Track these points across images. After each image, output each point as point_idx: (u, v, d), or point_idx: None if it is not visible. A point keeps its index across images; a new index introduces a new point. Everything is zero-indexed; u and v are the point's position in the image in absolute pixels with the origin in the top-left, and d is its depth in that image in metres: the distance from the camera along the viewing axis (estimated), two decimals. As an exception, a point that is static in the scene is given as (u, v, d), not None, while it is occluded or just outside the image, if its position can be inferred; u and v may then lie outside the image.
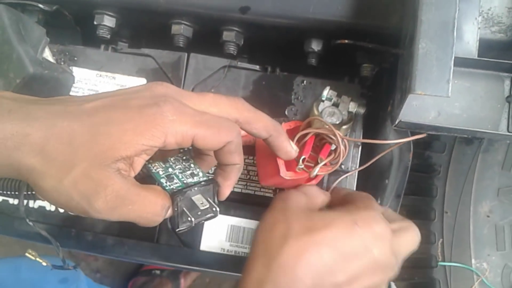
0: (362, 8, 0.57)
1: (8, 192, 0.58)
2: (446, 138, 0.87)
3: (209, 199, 0.45)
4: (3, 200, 0.64)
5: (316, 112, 0.57)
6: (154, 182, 0.44)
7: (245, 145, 0.58)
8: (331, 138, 0.53)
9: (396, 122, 0.51)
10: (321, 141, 0.54)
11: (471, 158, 0.84)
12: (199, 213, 0.44)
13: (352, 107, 0.58)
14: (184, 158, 0.47)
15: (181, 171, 0.46)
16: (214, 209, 0.45)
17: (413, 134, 0.59)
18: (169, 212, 0.43)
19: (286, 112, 0.62)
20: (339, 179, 0.60)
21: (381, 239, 0.45)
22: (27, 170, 0.38)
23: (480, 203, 0.83)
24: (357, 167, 0.63)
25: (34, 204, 0.63)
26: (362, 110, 0.58)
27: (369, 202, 0.50)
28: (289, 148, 0.49)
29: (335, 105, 0.58)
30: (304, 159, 0.51)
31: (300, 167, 0.51)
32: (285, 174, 0.50)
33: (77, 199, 0.39)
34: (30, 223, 0.58)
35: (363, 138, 0.62)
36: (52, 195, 0.39)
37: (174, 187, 0.43)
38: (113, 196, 0.38)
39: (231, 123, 0.44)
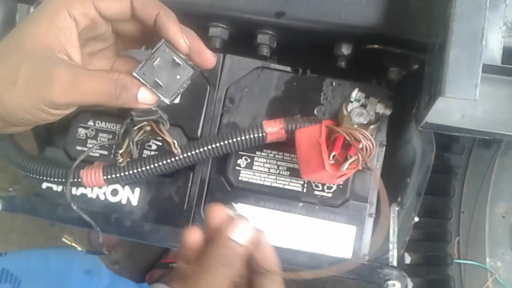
0: (391, 16, 0.60)
1: (56, 179, 0.63)
2: (465, 140, 0.90)
3: (174, 58, 0.47)
4: (47, 187, 0.68)
5: (345, 112, 0.61)
6: None
7: (276, 141, 0.62)
8: (358, 137, 0.56)
9: (422, 123, 0.55)
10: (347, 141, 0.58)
11: (489, 161, 0.87)
12: (178, 77, 0.48)
13: (379, 108, 0.61)
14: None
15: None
16: (188, 65, 0.48)
17: (436, 135, 0.62)
18: (153, 96, 0.47)
19: (315, 112, 0.65)
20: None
21: None
22: None
23: (496, 204, 0.86)
24: (381, 164, 0.66)
25: (77, 191, 0.67)
26: (388, 112, 0.62)
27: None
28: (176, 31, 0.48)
29: (363, 106, 0.62)
30: (334, 155, 0.55)
31: (331, 162, 0.54)
32: (329, 168, 0.53)
33: (35, 93, 0.44)
34: (75, 208, 0.63)
35: (388, 138, 0.66)
36: (12, 102, 0.44)
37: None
38: (63, 81, 0.44)
39: None
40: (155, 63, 0.46)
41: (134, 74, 0.47)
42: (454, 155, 0.91)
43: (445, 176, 0.91)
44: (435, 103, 0.46)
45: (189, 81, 0.48)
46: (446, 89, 0.42)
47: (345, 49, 0.64)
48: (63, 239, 0.78)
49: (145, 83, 0.47)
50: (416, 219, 0.73)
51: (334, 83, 0.66)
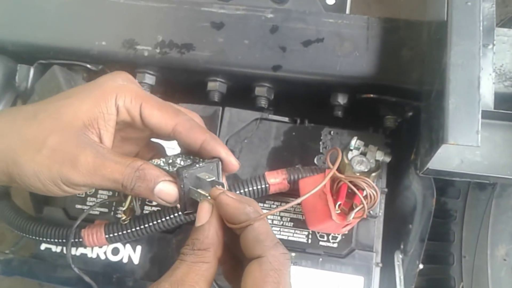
0: (384, 66, 0.63)
1: (56, 240, 0.61)
2: (460, 184, 0.91)
3: (209, 178, 0.44)
4: (46, 248, 0.67)
5: (346, 161, 0.61)
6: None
7: (279, 191, 0.62)
8: (362, 186, 0.56)
9: (424, 169, 0.55)
10: (351, 190, 0.58)
11: (485, 203, 0.88)
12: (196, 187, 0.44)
13: (379, 155, 0.62)
14: (182, 155, 0.48)
15: (181, 160, 0.47)
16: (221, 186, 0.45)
17: (436, 180, 0.63)
18: (173, 193, 0.44)
19: (315, 161, 0.66)
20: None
21: None
22: (4, 151, 0.43)
23: (496, 247, 0.86)
24: (383, 212, 0.67)
25: (76, 251, 0.66)
26: (388, 159, 0.63)
27: None
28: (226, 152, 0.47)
29: (363, 154, 0.63)
30: (340, 204, 0.55)
31: (337, 212, 0.54)
32: (336, 218, 0.53)
33: (56, 167, 0.43)
34: (76, 269, 0.61)
35: (387, 184, 0.66)
36: (30, 168, 0.43)
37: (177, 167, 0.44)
38: (88, 165, 0.43)
39: (177, 108, 0.48)
40: (199, 174, 0.44)
41: (180, 170, 0.44)
42: (451, 199, 0.91)
43: (443, 220, 0.91)
44: (438, 150, 0.47)
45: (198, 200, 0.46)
46: (449, 136, 0.44)
47: (341, 99, 0.66)
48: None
49: (183, 185, 0.44)
50: (421, 266, 0.73)
51: (332, 132, 0.67)
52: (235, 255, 0.44)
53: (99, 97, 0.45)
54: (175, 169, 0.44)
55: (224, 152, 0.46)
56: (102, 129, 0.45)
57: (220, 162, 0.46)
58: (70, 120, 0.44)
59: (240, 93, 0.69)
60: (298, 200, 0.49)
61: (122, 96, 0.45)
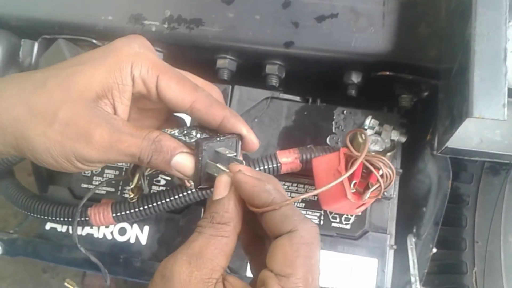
0: (400, 43, 0.60)
1: (62, 219, 0.60)
2: (473, 168, 0.89)
3: (229, 153, 0.42)
4: (51, 228, 0.65)
5: (360, 140, 0.59)
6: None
7: (290, 171, 0.60)
8: (378, 165, 0.54)
9: (442, 148, 0.53)
10: (368, 168, 0.56)
11: (499, 188, 0.86)
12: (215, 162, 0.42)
13: (395, 135, 0.60)
14: (198, 127, 0.45)
15: (198, 132, 0.44)
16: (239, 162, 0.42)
17: (453, 160, 0.61)
18: (190, 165, 0.41)
19: (327, 141, 0.64)
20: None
21: None
22: (12, 123, 0.40)
23: (510, 232, 0.84)
24: (397, 194, 0.65)
25: (82, 231, 0.64)
26: (403, 139, 0.61)
27: None
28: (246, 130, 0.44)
29: (378, 133, 0.61)
30: (355, 183, 0.53)
31: (352, 191, 0.53)
32: (351, 197, 0.51)
33: (69, 144, 0.40)
34: (82, 249, 0.60)
35: (403, 165, 0.64)
36: (42, 143, 0.40)
37: (196, 139, 0.42)
38: (103, 141, 0.40)
39: (195, 82, 0.44)
40: (218, 149, 0.42)
41: (200, 141, 0.41)
42: (463, 183, 0.89)
43: (456, 205, 0.89)
44: (460, 125, 0.45)
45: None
46: (474, 109, 0.42)
47: (355, 77, 0.64)
48: (65, 284, 0.74)
49: (201, 157, 0.41)
50: (434, 250, 0.71)
51: (345, 112, 0.65)
52: (253, 229, 0.42)
53: (113, 65, 0.41)
54: (192, 140, 0.42)
55: (245, 129, 0.44)
56: (116, 100, 0.42)
57: (239, 139, 0.44)
58: (82, 90, 0.40)
59: (250, 71, 0.67)
60: (323, 189, 0.47)
61: (138, 65, 0.42)
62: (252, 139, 0.44)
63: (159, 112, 0.49)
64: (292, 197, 0.63)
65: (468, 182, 0.89)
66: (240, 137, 0.44)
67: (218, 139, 0.42)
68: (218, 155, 0.42)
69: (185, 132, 0.43)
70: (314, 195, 0.62)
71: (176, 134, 0.43)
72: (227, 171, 0.40)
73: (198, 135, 0.43)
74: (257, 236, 0.42)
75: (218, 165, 0.40)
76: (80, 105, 0.40)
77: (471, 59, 0.43)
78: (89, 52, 0.44)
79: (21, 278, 1.53)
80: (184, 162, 0.41)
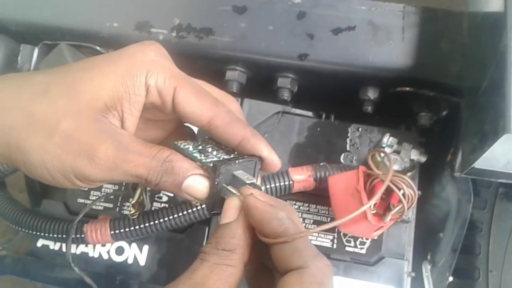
0: (421, 58, 0.58)
1: (55, 235, 0.56)
2: (487, 194, 0.86)
3: (246, 179, 0.37)
4: (43, 245, 0.61)
5: (378, 159, 0.56)
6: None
7: (303, 190, 0.56)
8: (399, 185, 0.51)
9: (468, 169, 0.50)
10: (387, 189, 0.53)
11: (514, 215, 0.82)
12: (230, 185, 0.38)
13: (414, 154, 0.57)
14: (213, 141, 0.41)
15: (213, 149, 0.40)
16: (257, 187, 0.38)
17: (476, 182, 0.57)
18: (204, 190, 0.37)
19: (341, 159, 0.60)
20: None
21: None
22: (6, 130, 0.35)
23: (525, 262, 0.80)
24: (414, 217, 0.61)
25: (76, 249, 0.60)
26: (423, 158, 0.58)
27: None
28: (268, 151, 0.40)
29: (396, 152, 0.57)
30: (375, 204, 0.50)
31: (373, 212, 0.49)
32: (372, 218, 0.48)
33: (69, 160, 0.35)
34: (76, 269, 0.55)
35: (419, 187, 0.61)
36: (38, 157, 0.35)
37: (212, 160, 0.37)
38: (108, 160, 0.35)
39: (215, 96, 0.40)
40: (236, 172, 0.38)
41: (217, 164, 0.37)
42: (477, 210, 0.86)
43: (469, 232, 0.85)
44: (495, 143, 0.42)
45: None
46: (512, 125, 0.38)
47: (372, 93, 0.61)
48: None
49: (217, 181, 0.37)
50: (451, 278, 0.67)
51: (360, 129, 0.62)
52: (262, 259, 0.38)
53: (126, 73, 0.37)
54: (207, 160, 0.38)
55: (266, 151, 0.40)
56: (126, 112, 0.37)
57: (259, 161, 0.40)
58: (89, 99, 0.36)
59: (260, 84, 0.63)
60: (343, 220, 0.43)
61: (154, 74, 0.37)
62: (274, 160, 0.40)
63: (168, 123, 0.44)
64: (304, 218, 0.59)
65: (481, 208, 0.86)
66: (260, 159, 0.40)
67: (236, 161, 0.38)
68: (235, 179, 0.38)
69: (200, 147, 0.39)
70: (324, 204, 0.58)
71: (191, 149, 0.39)
72: (238, 194, 0.36)
73: (215, 153, 0.39)
74: (265, 268, 0.38)
75: (229, 187, 0.37)
76: (85, 117, 0.36)
77: (507, 71, 0.40)
78: (98, 57, 0.39)
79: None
80: (196, 185, 0.37)
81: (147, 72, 0.37)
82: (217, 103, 0.39)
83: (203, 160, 0.37)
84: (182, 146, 0.39)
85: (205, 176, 0.37)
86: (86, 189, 0.62)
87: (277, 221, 0.34)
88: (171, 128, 0.45)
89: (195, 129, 0.45)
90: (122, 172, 0.36)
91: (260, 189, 0.37)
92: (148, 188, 0.53)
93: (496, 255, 0.83)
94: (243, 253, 0.34)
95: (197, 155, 0.38)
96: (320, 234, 0.58)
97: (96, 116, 0.36)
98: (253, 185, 0.37)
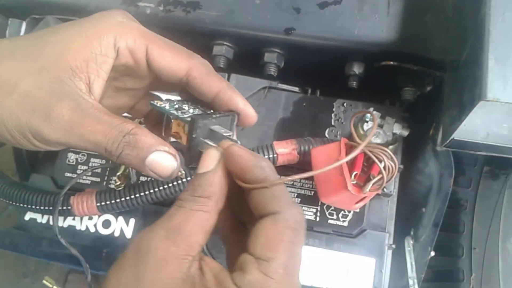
0: (406, 32, 0.58)
1: (42, 208, 0.56)
2: (472, 173, 0.87)
3: (225, 133, 0.39)
4: (30, 218, 0.61)
5: (361, 132, 0.57)
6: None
7: (287, 163, 0.57)
8: (380, 156, 0.52)
9: (448, 140, 0.51)
10: (368, 161, 0.54)
11: (498, 193, 0.84)
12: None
13: (397, 128, 0.58)
14: (188, 101, 0.42)
15: (190, 107, 0.41)
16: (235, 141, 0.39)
17: (461, 161, 0.58)
18: (169, 167, 0.37)
19: (326, 134, 0.61)
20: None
21: None
22: None
23: (508, 239, 0.82)
24: (397, 192, 0.62)
25: (64, 222, 0.60)
26: (406, 132, 0.58)
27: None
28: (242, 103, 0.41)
29: (379, 126, 0.58)
30: (356, 174, 0.50)
31: (353, 182, 0.50)
32: (352, 188, 0.48)
33: (25, 118, 0.35)
34: (62, 240, 0.56)
35: (403, 162, 0.62)
36: None
37: (190, 115, 0.38)
38: (63, 120, 0.35)
39: (191, 51, 0.41)
40: (213, 127, 0.38)
41: (195, 118, 0.37)
42: (461, 188, 0.87)
43: (453, 210, 0.86)
44: (472, 111, 0.42)
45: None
46: (488, 92, 0.39)
47: (357, 68, 0.61)
48: (44, 282, 0.69)
49: (195, 135, 0.37)
50: (432, 253, 0.68)
51: (345, 104, 0.62)
52: (236, 215, 0.40)
53: (92, 35, 0.37)
54: (185, 115, 0.38)
55: (242, 103, 0.40)
56: (92, 74, 0.37)
57: (235, 117, 0.41)
58: (53, 60, 0.36)
59: (247, 59, 0.64)
60: (320, 171, 0.44)
61: (123, 36, 0.37)
62: (250, 113, 0.41)
63: (138, 91, 0.45)
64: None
65: (466, 186, 0.87)
66: (236, 114, 0.41)
67: (214, 116, 0.39)
68: (212, 134, 0.38)
69: (176, 106, 0.40)
70: (308, 179, 0.59)
71: (167, 107, 0.39)
72: (216, 146, 0.37)
73: (191, 110, 0.40)
74: (240, 223, 0.39)
75: (207, 141, 0.37)
76: (47, 77, 0.36)
77: (485, 39, 0.41)
78: (66, 23, 0.40)
79: (0, 283, 1.47)
80: (161, 161, 0.37)
81: (116, 34, 0.37)
82: (192, 55, 0.40)
83: (180, 116, 0.38)
84: (158, 105, 0.39)
85: (170, 153, 0.37)
86: (74, 163, 0.62)
87: (259, 169, 0.35)
88: (140, 95, 0.46)
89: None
90: (78, 136, 0.36)
91: (237, 142, 0.38)
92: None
93: (479, 232, 0.84)
94: (218, 201, 0.35)
95: (174, 111, 0.39)
96: (303, 207, 0.59)
97: (60, 77, 0.36)
98: (230, 138, 0.38)
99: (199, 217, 0.34)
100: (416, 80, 0.60)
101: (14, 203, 0.57)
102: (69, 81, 0.36)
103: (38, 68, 0.36)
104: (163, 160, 0.37)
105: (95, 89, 0.38)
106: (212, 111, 0.41)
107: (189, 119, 0.38)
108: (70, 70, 0.36)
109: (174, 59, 0.39)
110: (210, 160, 0.36)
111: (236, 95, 0.41)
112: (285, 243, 0.32)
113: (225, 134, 0.38)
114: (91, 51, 0.37)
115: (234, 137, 0.39)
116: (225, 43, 0.63)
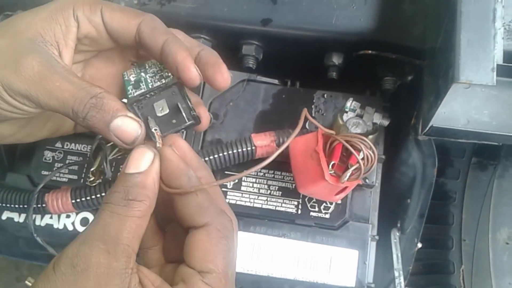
0: (384, 21, 0.57)
1: (17, 206, 0.55)
2: (460, 164, 0.86)
3: (179, 103, 0.40)
4: (7, 218, 0.60)
5: (341, 122, 0.56)
6: None
7: (266, 156, 0.56)
8: (358, 146, 0.51)
9: (427, 128, 0.50)
10: (347, 151, 0.52)
11: (487, 184, 0.83)
12: (174, 121, 0.40)
13: (377, 118, 0.57)
14: (157, 66, 0.43)
15: (152, 74, 0.42)
16: (190, 115, 0.40)
17: (449, 152, 0.57)
18: (132, 134, 0.38)
19: (307, 126, 0.60)
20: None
21: None
22: None
23: (498, 230, 0.81)
24: (379, 183, 0.61)
25: (41, 221, 0.59)
26: (386, 122, 0.57)
27: None
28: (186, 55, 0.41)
29: (359, 116, 0.57)
30: (334, 164, 0.49)
31: (331, 172, 0.49)
32: (329, 178, 0.47)
33: None
34: (38, 239, 0.55)
35: (385, 151, 0.61)
36: None
37: (135, 94, 0.40)
38: (32, 71, 0.37)
39: (141, 11, 0.44)
40: (156, 103, 0.39)
41: (125, 101, 0.39)
42: (450, 179, 0.86)
43: (442, 202, 0.85)
44: (446, 95, 0.42)
45: (183, 129, 0.42)
46: (461, 74, 0.38)
47: (336, 59, 0.61)
48: (26, 282, 0.68)
49: (135, 117, 0.38)
50: (419, 245, 0.67)
51: (325, 95, 0.61)
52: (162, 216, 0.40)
53: (55, 9, 0.40)
54: (134, 93, 0.39)
55: (181, 57, 0.39)
56: (60, 42, 0.40)
57: (179, 83, 0.40)
58: (23, 28, 0.39)
59: (225, 52, 0.62)
60: (264, 163, 0.43)
61: (80, 7, 0.41)
62: (189, 68, 0.39)
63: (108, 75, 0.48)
64: (269, 185, 0.59)
65: (455, 178, 0.86)
66: (178, 81, 0.40)
67: (152, 93, 0.40)
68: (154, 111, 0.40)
69: (141, 75, 0.42)
70: (287, 170, 0.58)
71: (131, 79, 0.41)
72: (159, 141, 0.37)
73: (149, 80, 0.41)
74: (157, 226, 0.40)
75: (154, 129, 0.37)
76: (18, 38, 0.39)
77: (457, 21, 0.40)
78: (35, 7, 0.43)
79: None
80: (125, 127, 0.37)
81: (73, 5, 0.41)
82: (142, 13, 0.43)
83: (129, 95, 0.40)
84: (126, 78, 0.42)
85: (135, 119, 0.37)
86: (50, 161, 0.61)
87: (186, 178, 0.35)
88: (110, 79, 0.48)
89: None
90: (46, 90, 0.37)
91: (196, 119, 0.40)
92: (110, 157, 0.53)
93: (469, 224, 0.84)
94: (151, 205, 0.35)
95: (129, 88, 0.41)
96: (284, 200, 0.58)
97: (31, 38, 0.39)
98: (181, 118, 0.39)
99: (133, 223, 0.33)
100: (396, 69, 0.60)
101: (-11, 203, 0.56)
102: (40, 43, 0.39)
103: (10, 33, 0.40)
104: (127, 125, 0.37)
105: (64, 56, 0.41)
106: (170, 78, 0.41)
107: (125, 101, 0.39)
108: (40, 36, 0.40)
109: (124, 18, 0.41)
110: (145, 160, 0.35)
111: (178, 47, 0.40)
112: (222, 253, 0.34)
113: (159, 114, 0.39)
114: (55, 22, 0.40)
115: (191, 105, 0.40)
116: (202, 36, 0.62)
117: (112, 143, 0.50)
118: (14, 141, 0.47)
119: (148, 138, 0.39)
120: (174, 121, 0.41)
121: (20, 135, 0.46)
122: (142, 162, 0.35)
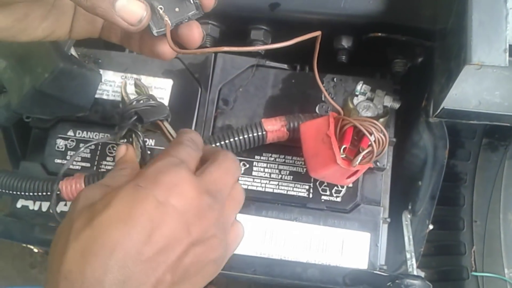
0: (393, 2, 0.57)
1: (34, 194, 0.56)
2: (471, 145, 0.86)
3: None
4: (22, 206, 0.61)
5: (351, 106, 0.56)
6: None
7: (277, 141, 0.56)
8: (370, 129, 0.51)
9: (439, 110, 0.50)
10: (358, 134, 0.52)
11: (498, 165, 0.83)
12: (177, 9, 0.38)
13: (387, 101, 0.56)
14: None
15: None
16: (192, 2, 0.38)
17: (460, 134, 0.57)
18: (138, 12, 0.36)
19: (316, 109, 0.60)
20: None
21: (176, 186, 0.35)
22: None
23: (509, 210, 0.81)
24: (390, 165, 0.61)
25: (56, 208, 0.60)
26: (397, 105, 0.57)
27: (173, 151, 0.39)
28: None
29: (370, 99, 0.57)
30: (345, 148, 0.50)
31: (343, 156, 0.49)
32: (341, 162, 0.48)
33: None
34: (55, 226, 0.56)
35: (396, 134, 0.61)
36: None
37: None
38: None
39: None
40: None
41: None
42: (460, 161, 0.86)
43: (453, 184, 0.85)
44: (458, 77, 0.41)
45: (186, 20, 0.40)
46: (473, 55, 0.38)
47: (346, 42, 0.60)
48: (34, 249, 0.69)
49: None
50: (431, 226, 0.67)
51: (335, 79, 0.61)
52: None
53: None
54: None
55: None
56: None
57: None
58: None
59: (234, 38, 0.63)
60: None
61: None
62: None
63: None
64: (280, 170, 0.59)
65: (465, 159, 0.86)
66: None
67: None
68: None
69: None
70: (298, 155, 0.58)
71: None
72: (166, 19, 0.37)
73: None
74: None
75: (160, 8, 0.37)
76: None
77: (468, 2, 0.39)
78: None
79: (8, 274, 1.49)
80: (131, 6, 0.35)
81: None
82: None
83: None
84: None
85: (142, 1, 0.36)
86: (63, 149, 0.62)
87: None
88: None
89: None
90: None
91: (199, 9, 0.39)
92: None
93: (480, 205, 0.84)
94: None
95: None
96: (296, 184, 0.58)
97: None
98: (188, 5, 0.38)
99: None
100: (406, 51, 0.59)
101: (6, 191, 0.57)
102: None
103: None
104: (133, 4, 0.36)
105: None
106: None
107: None
108: None
109: None
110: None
111: None
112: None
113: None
114: None
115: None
116: (210, 21, 0.61)
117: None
118: (7, 37, 0.44)
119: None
120: (177, 9, 0.39)
121: (14, 30, 0.43)
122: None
